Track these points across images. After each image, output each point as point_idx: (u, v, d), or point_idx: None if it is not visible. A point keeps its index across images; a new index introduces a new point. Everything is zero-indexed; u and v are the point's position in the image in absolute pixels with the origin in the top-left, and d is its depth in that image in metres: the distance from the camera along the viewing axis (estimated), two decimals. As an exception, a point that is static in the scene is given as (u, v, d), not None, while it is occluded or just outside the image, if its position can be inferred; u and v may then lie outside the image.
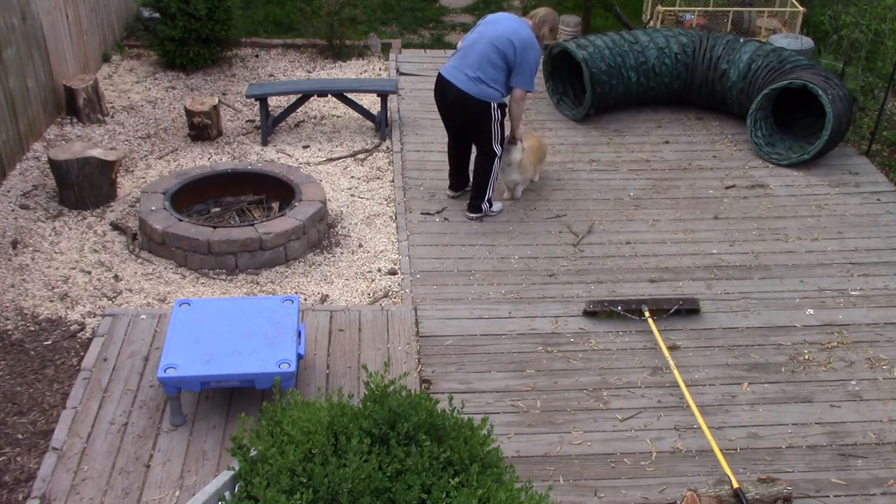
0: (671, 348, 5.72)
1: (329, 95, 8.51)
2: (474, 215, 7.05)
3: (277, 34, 10.55)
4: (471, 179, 7.10)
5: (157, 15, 9.25)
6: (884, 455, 5.01)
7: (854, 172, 7.97)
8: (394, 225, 7.02)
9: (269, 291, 6.21)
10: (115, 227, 6.84)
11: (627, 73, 8.49)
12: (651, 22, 10.22)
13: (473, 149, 7.11)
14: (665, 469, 4.87)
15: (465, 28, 11.14)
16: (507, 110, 6.83)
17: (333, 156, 8.04)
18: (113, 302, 6.03)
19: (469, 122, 6.80)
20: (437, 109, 7.04)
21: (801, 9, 9.88)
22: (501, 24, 6.61)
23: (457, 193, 7.34)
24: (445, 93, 6.74)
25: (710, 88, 8.62)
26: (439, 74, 6.79)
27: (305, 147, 8.17)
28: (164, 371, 4.79)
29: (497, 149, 6.84)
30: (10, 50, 7.34)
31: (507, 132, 6.97)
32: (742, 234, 7.03)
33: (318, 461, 3.12)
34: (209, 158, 7.88)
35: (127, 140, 8.13)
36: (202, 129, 8.09)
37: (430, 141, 8.30)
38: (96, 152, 6.98)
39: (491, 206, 7.07)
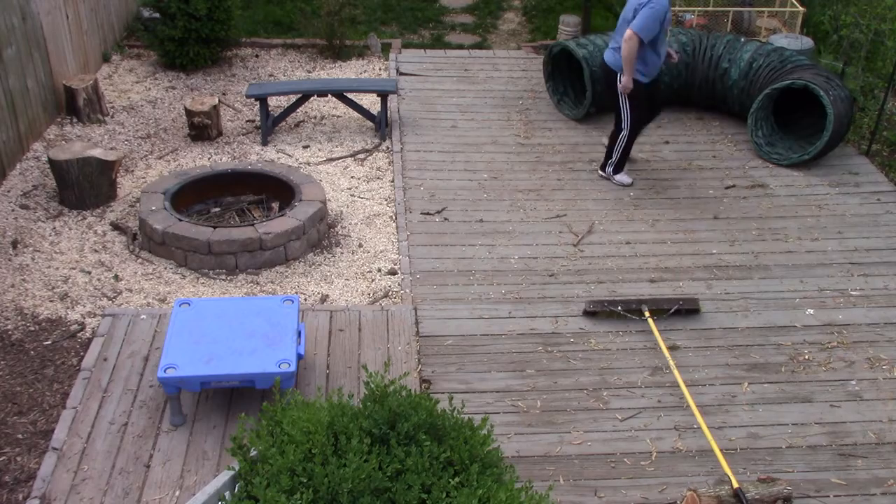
0: (671, 348, 5.72)
1: (329, 95, 8.51)
2: (601, 172, 7.73)
3: (277, 34, 10.54)
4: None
5: (157, 15, 9.25)
6: (884, 455, 5.01)
7: (854, 172, 7.97)
8: (394, 225, 7.02)
9: (269, 291, 6.21)
10: (115, 227, 6.84)
11: (627, 73, 8.49)
12: (651, 22, 10.20)
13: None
14: (665, 469, 4.87)
15: (465, 28, 11.16)
16: (645, 89, 7.23)
17: (333, 156, 8.04)
18: (113, 302, 6.03)
19: (608, 92, 7.41)
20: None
21: (801, 9, 9.88)
22: None
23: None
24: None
25: (710, 88, 8.61)
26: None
27: (305, 147, 8.17)
28: (164, 371, 4.79)
29: (627, 125, 7.36)
30: (10, 50, 7.34)
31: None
32: (742, 234, 7.03)
33: (318, 461, 3.12)
34: (209, 158, 7.88)
35: (127, 140, 8.13)
36: (202, 129, 8.09)
37: (430, 141, 8.30)
38: (96, 152, 6.98)
39: (614, 173, 7.62)
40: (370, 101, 8.83)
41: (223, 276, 6.34)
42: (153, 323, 5.77)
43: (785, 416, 5.25)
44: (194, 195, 6.99)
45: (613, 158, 7.56)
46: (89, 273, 6.31)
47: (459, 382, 5.42)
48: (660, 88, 7.60)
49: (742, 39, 8.57)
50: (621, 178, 7.60)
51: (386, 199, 7.38)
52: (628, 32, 6.86)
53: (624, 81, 7.10)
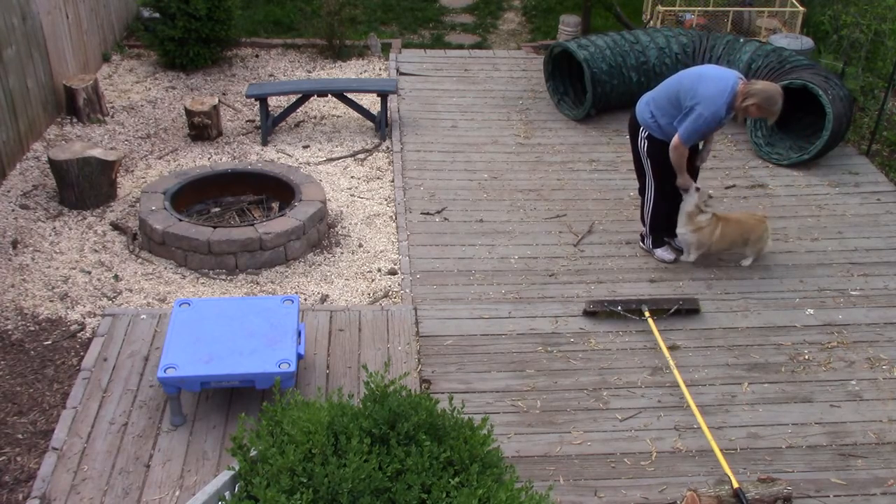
0: (671, 348, 5.72)
1: (329, 95, 8.51)
2: (641, 245, 6.77)
3: (277, 34, 10.54)
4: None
5: (157, 15, 9.25)
6: (884, 455, 5.00)
7: (854, 172, 7.97)
8: (394, 225, 7.02)
9: (269, 291, 6.21)
10: (115, 227, 6.84)
11: (628, 73, 8.49)
12: (651, 22, 10.21)
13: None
14: (665, 469, 4.87)
15: (465, 28, 11.15)
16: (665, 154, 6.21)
17: (333, 156, 8.04)
18: (113, 302, 6.03)
19: (631, 145, 6.45)
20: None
21: (801, 9, 9.88)
22: (706, 67, 6.20)
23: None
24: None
25: (710, 88, 8.59)
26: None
27: (305, 147, 8.17)
28: (164, 371, 4.79)
29: (650, 188, 6.42)
30: (10, 50, 7.34)
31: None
32: (742, 234, 7.02)
33: (318, 461, 3.12)
34: (209, 158, 7.88)
35: (127, 140, 8.13)
36: (202, 129, 8.09)
37: (430, 141, 8.30)
38: (96, 152, 6.98)
39: (653, 246, 6.68)
40: (370, 101, 8.83)
41: (223, 276, 6.34)
42: (153, 323, 5.77)
43: (785, 416, 5.25)
44: (194, 195, 6.99)
45: (646, 229, 6.65)
46: (89, 273, 6.31)
47: (459, 382, 5.42)
48: (691, 155, 6.36)
49: (741, 40, 8.57)
50: (661, 254, 6.63)
51: (386, 199, 7.38)
52: (675, 141, 5.99)
53: (680, 183, 6.26)
